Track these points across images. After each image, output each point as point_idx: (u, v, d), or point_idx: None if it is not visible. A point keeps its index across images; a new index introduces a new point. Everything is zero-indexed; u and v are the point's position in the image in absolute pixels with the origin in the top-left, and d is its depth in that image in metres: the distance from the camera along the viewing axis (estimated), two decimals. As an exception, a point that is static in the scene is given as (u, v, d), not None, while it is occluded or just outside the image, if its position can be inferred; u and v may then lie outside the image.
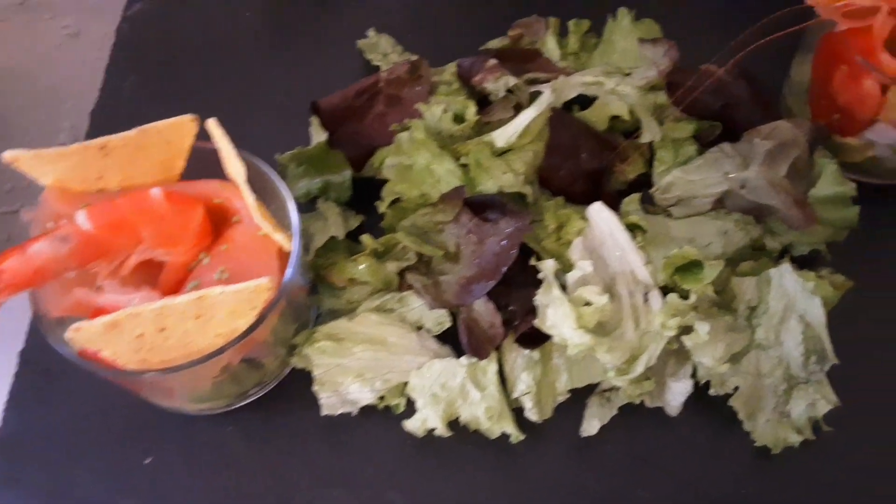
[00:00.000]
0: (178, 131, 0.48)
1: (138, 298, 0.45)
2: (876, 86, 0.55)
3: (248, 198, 0.46)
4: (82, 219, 0.45)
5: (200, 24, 0.74)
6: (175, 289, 0.49)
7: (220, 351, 0.44)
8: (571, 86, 0.60)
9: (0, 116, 1.14)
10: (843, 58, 0.56)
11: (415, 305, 0.55)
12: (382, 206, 0.56)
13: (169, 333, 0.42)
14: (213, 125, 0.47)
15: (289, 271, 0.47)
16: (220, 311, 0.43)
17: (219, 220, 0.50)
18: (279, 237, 0.46)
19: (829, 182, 0.57)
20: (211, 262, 0.48)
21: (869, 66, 0.54)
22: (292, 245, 0.47)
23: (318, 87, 0.65)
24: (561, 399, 0.54)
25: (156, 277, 0.50)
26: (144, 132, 0.47)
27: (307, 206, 0.61)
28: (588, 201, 0.57)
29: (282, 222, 0.50)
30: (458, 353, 0.54)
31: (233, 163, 0.47)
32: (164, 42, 0.73)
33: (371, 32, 0.71)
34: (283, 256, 0.48)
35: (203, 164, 0.51)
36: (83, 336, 0.41)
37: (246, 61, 0.72)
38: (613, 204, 0.57)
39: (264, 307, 0.44)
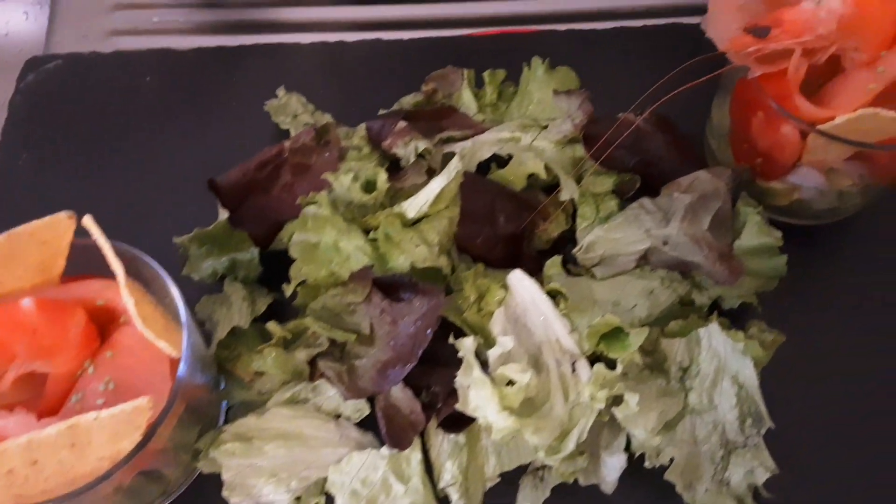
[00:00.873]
0: (53, 231, 0.45)
1: (12, 423, 0.41)
2: (795, 131, 0.54)
3: (129, 302, 0.42)
4: (-54, 340, 0.41)
5: (97, 92, 0.70)
6: (61, 400, 0.45)
7: (106, 476, 0.41)
8: (485, 146, 0.58)
9: None
10: (758, 104, 0.54)
11: (330, 393, 0.51)
12: (289, 290, 0.52)
13: (42, 466, 0.38)
14: (89, 223, 0.43)
15: (177, 380, 0.43)
16: (98, 436, 0.39)
17: (106, 321, 0.46)
18: (163, 345, 0.42)
19: (754, 232, 0.55)
20: (96, 371, 0.44)
21: (786, 114, 0.52)
22: (182, 350, 0.43)
23: (225, 154, 0.62)
24: (491, 484, 0.51)
25: (41, 388, 0.46)
26: (14, 236, 0.44)
27: (216, 285, 0.57)
28: (509, 265, 0.54)
29: (175, 315, 0.46)
30: (382, 439, 0.51)
31: (112, 262, 0.43)
32: (59, 114, 0.69)
33: (280, 92, 0.67)
34: (176, 358, 0.45)
35: (89, 258, 0.47)
36: (-58, 478, 0.37)
37: (147, 130, 0.67)
38: (536, 266, 0.55)
39: (149, 425, 0.41)
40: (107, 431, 0.39)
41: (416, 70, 0.68)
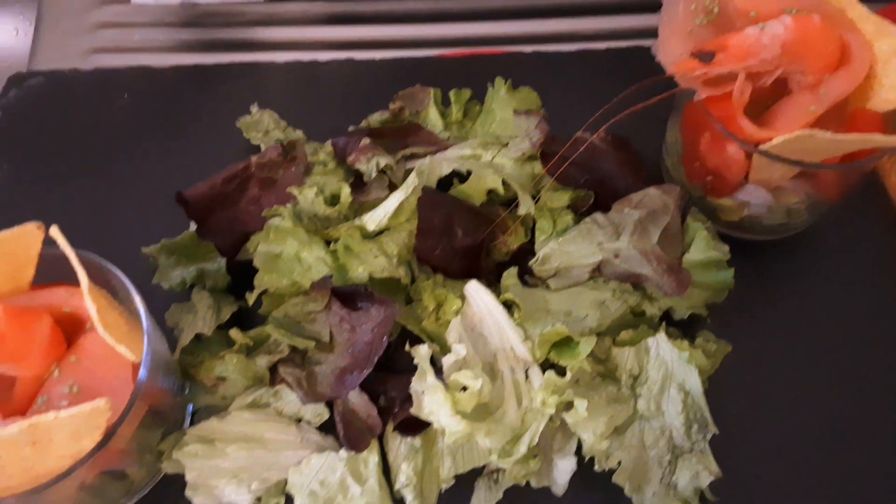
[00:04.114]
0: (22, 241, 0.47)
1: (-23, 423, 0.43)
2: (740, 151, 0.56)
3: (91, 308, 0.44)
4: (-85, 343, 0.43)
5: (76, 108, 0.72)
6: (28, 403, 0.47)
7: (67, 473, 0.42)
8: (445, 162, 0.60)
9: None
10: (705, 125, 0.57)
11: (291, 398, 0.53)
12: (251, 299, 0.54)
13: (5, 463, 0.40)
14: (55, 233, 0.45)
15: (139, 381, 0.45)
16: (59, 435, 0.40)
17: (72, 329, 0.48)
18: (124, 350, 0.44)
19: (702, 247, 0.57)
20: (60, 375, 0.46)
21: (729, 135, 0.55)
22: (142, 355, 0.45)
23: (199, 169, 0.63)
24: (446, 486, 0.52)
25: (10, 390, 0.47)
26: (-15, 245, 0.45)
27: (184, 294, 0.59)
28: (467, 276, 0.56)
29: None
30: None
31: (76, 269, 0.45)
32: (40, 130, 0.71)
33: (254, 108, 0.70)
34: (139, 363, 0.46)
35: (58, 267, 0.49)
36: None
37: (122, 146, 0.70)
38: (494, 277, 0.57)
39: (111, 424, 0.42)
40: (67, 431, 0.41)
41: (386, 88, 0.71)
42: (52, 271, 0.50)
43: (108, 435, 0.43)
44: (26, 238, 0.47)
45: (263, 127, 0.68)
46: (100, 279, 0.48)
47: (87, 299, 0.44)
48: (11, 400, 0.47)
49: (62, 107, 0.72)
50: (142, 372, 0.45)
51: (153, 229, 0.60)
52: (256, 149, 0.67)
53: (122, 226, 0.64)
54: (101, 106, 0.72)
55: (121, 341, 0.43)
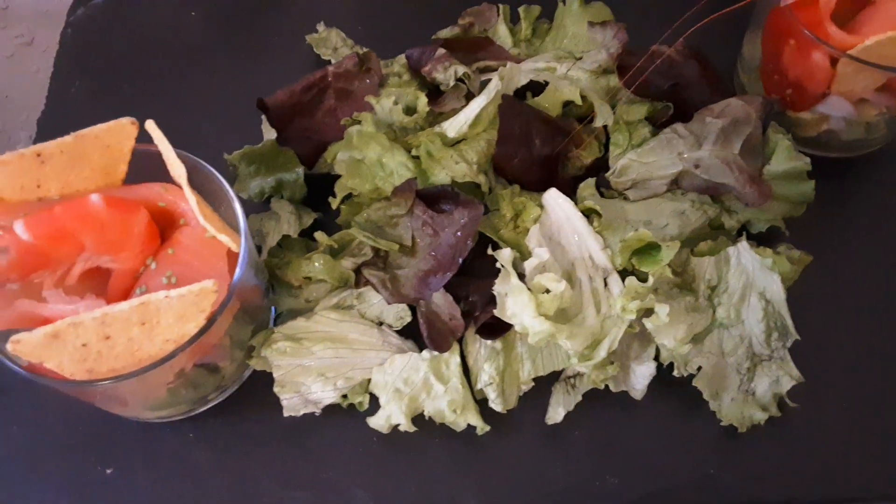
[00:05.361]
0: (117, 135, 0.47)
1: (83, 307, 0.44)
2: (825, 59, 0.55)
3: (191, 199, 0.45)
4: (20, 229, 0.43)
5: (145, 25, 0.73)
6: (123, 296, 0.48)
7: (170, 356, 0.43)
8: (522, 72, 0.60)
9: (-48, 130, 1.12)
10: (791, 32, 0.56)
11: (374, 301, 0.54)
12: (335, 203, 0.55)
13: (114, 342, 0.41)
14: (151, 127, 0.46)
15: (237, 272, 0.46)
16: (166, 316, 0.42)
17: (165, 225, 0.49)
18: (225, 238, 0.45)
19: (784, 158, 0.57)
20: (158, 266, 0.47)
21: (817, 40, 0.54)
22: (241, 245, 0.46)
23: (267, 84, 0.64)
24: (525, 388, 0.53)
25: (105, 285, 0.49)
26: (81, 138, 0.46)
27: (262, 205, 0.60)
28: (543, 188, 0.56)
29: (231, 223, 0.49)
30: (421, 347, 0.54)
31: (173, 164, 0.46)
32: (109, 45, 0.72)
33: (320, 27, 0.69)
34: (233, 258, 0.47)
35: (148, 167, 0.49)
36: (24, 348, 0.39)
37: (193, 61, 0.70)
38: (569, 190, 0.57)
39: (213, 310, 0.43)
40: (174, 312, 0.42)
41: (449, 9, 0.70)
42: (139, 171, 0.50)
43: (211, 320, 0.44)
44: (120, 132, 0.47)
45: (332, 44, 0.68)
46: (189, 179, 0.48)
47: (186, 190, 0.45)
48: (105, 294, 0.48)
49: (130, 24, 0.73)
50: (240, 261, 0.45)
51: (227, 142, 0.61)
52: (326, 64, 0.67)
53: (196, 138, 0.64)
54: (169, 23, 0.72)
55: (221, 232, 0.44)
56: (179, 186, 0.47)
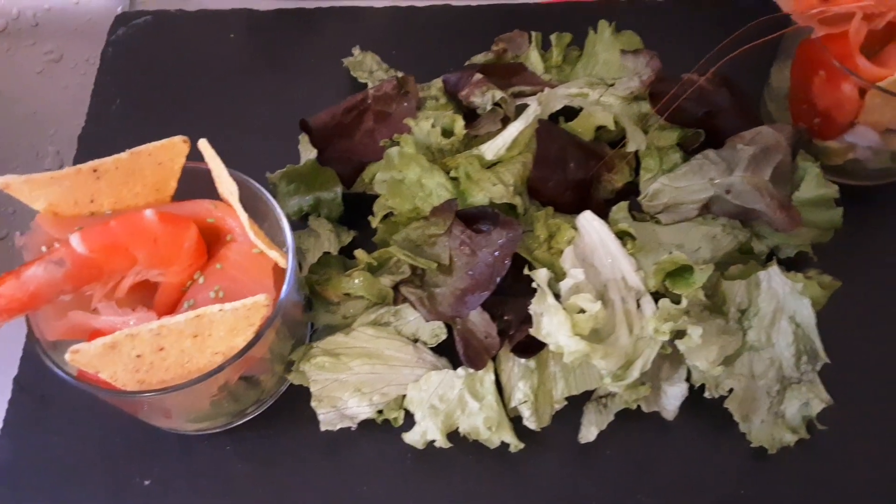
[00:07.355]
0: (169, 153, 0.49)
1: (135, 319, 0.45)
2: (854, 89, 0.57)
3: (242, 216, 0.46)
4: (76, 242, 0.45)
5: (185, 46, 0.75)
6: (170, 309, 0.49)
7: (219, 369, 0.45)
8: (557, 98, 0.61)
9: (-19, 144, 1.14)
10: (820, 63, 0.57)
11: (410, 318, 0.55)
12: (374, 221, 0.56)
13: (167, 353, 0.42)
14: (204, 145, 0.48)
15: (285, 288, 0.47)
16: (218, 329, 0.43)
17: (212, 240, 0.50)
18: (274, 254, 0.46)
19: (813, 185, 0.58)
20: (206, 281, 0.48)
21: (847, 71, 0.55)
22: (288, 262, 0.47)
23: (304, 105, 0.65)
24: (558, 407, 0.54)
25: (151, 298, 0.50)
26: (136, 154, 0.48)
27: (299, 223, 0.61)
28: (577, 210, 0.57)
29: (274, 240, 0.50)
30: (455, 364, 0.55)
31: (225, 182, 0.48)
32: (149, 65, 0.73)
33: (356, 51, 0.71)
34: (278, 274, 0.48)
35: (195, 184, 0.51)
36: (82, 358, 0.41)
37: (232, 82, 0.72)
38: (602, 212, 0.58)
39: (262, 324, 0.45)
40: (226, 325, 0.43)
41: (483, 36, 0.72)
42: (187, 188, 0.52)
43: (259, 333, 0.45)
44: (172, 150, 0.49)
45: (367, 67, 0.70)
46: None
47: (237, 207, 0.46)
48: (153, 307, 0.49)
49: (169, 45, 0.75)
50: (288, 276, 0.47)
51: (264, 161, 0.62)
52: (361, 87, 0.68)
53: (234, 157, 0.66)
54: (208, 45, 0.74)
55: (270, 248, 0.45)
56: (228, 203, 0.49)
